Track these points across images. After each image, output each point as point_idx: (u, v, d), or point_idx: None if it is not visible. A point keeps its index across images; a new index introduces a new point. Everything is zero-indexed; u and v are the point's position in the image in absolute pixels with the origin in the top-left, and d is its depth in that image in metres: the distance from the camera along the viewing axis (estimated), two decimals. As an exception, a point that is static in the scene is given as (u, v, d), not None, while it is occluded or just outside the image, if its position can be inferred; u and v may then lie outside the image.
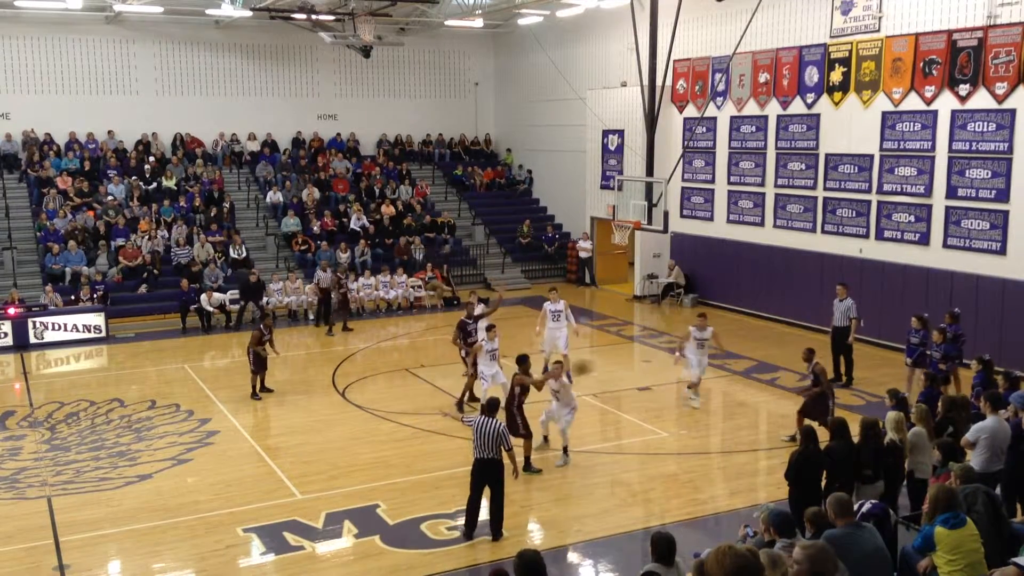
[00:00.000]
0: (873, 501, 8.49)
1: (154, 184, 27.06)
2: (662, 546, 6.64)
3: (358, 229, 26.92)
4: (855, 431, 9.72)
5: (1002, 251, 17.26)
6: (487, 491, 10.44)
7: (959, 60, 17.68)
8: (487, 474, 10.34)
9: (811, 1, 20.77)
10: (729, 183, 23.43)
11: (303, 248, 25.79)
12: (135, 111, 28.16)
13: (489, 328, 14.91)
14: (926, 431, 9.82)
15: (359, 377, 17.81)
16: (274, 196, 27.72)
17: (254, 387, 16.41)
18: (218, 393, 16.65)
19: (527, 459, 12.39)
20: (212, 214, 26.30)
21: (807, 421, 12.18)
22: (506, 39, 32.07)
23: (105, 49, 27.76)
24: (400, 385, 17.29)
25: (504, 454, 10.33)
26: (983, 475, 8.99)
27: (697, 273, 24.59)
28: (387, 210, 28.09)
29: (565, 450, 12.91)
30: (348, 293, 22.74)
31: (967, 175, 17.74)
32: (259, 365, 16.32)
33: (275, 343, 16.93)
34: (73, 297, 21.87)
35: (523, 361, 12.85)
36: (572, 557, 10.15)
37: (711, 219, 24.18)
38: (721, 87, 23.20)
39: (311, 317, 23.02)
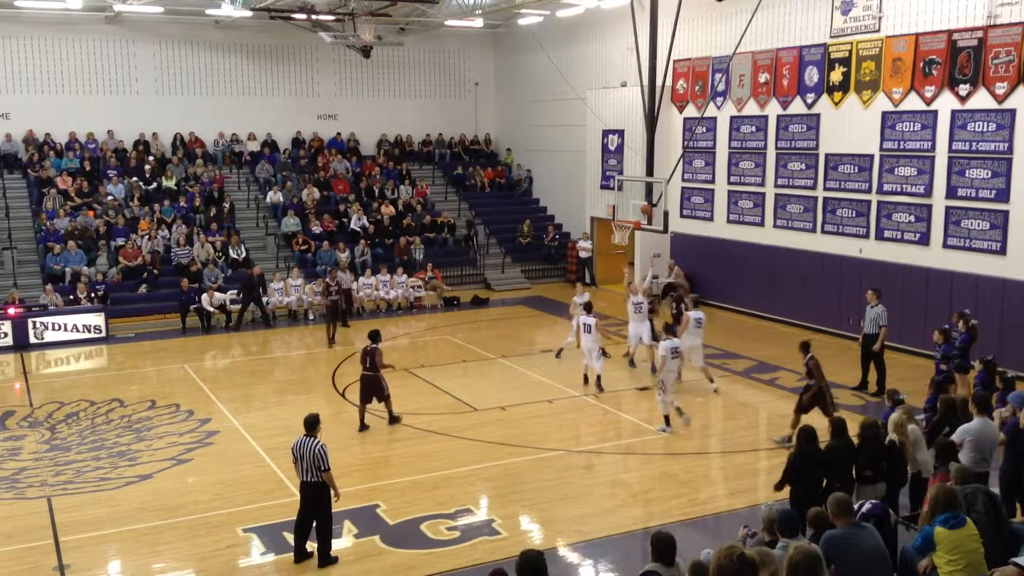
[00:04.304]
0: (873, 501, 8.48)
1: (154, 184, 27.06)
2: (662, 546, 6.63)
3: (358, 229, 26.92)
4: (853, 431, 9.72)
5: (1002, 251, 17.25)
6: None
7: (959, 60, 17.67)
8: (308, 498, 9.83)
9: (811, 1, 20.77)
10: (729, 183, 23.42)
11: (303, 248, 25.78)
12: (135, 111, 28.15)
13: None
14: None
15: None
16: (274, 196, 27.72)
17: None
18: (218, 393, 16.65)
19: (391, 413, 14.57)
20: (212, 214, 26.31)
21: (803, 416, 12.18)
22: (506, 39, 32.06)
23: (105, 49, 27.76)
24: (400, 385, 17.23)
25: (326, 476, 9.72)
26: (969, 476, 9.00)
27: (697, 273, 24.57)
28: (387, 210, 28.09)
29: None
30: (342, 293, 21.88)
31: (967, 175, 17.73)
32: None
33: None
34: (73, 297, 21.87)
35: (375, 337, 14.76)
36: (572, 557, 10.15)
37: (711, 219, 24.18)
38: (721, 87, 23.19)
39: (311, 317, 23.03)
